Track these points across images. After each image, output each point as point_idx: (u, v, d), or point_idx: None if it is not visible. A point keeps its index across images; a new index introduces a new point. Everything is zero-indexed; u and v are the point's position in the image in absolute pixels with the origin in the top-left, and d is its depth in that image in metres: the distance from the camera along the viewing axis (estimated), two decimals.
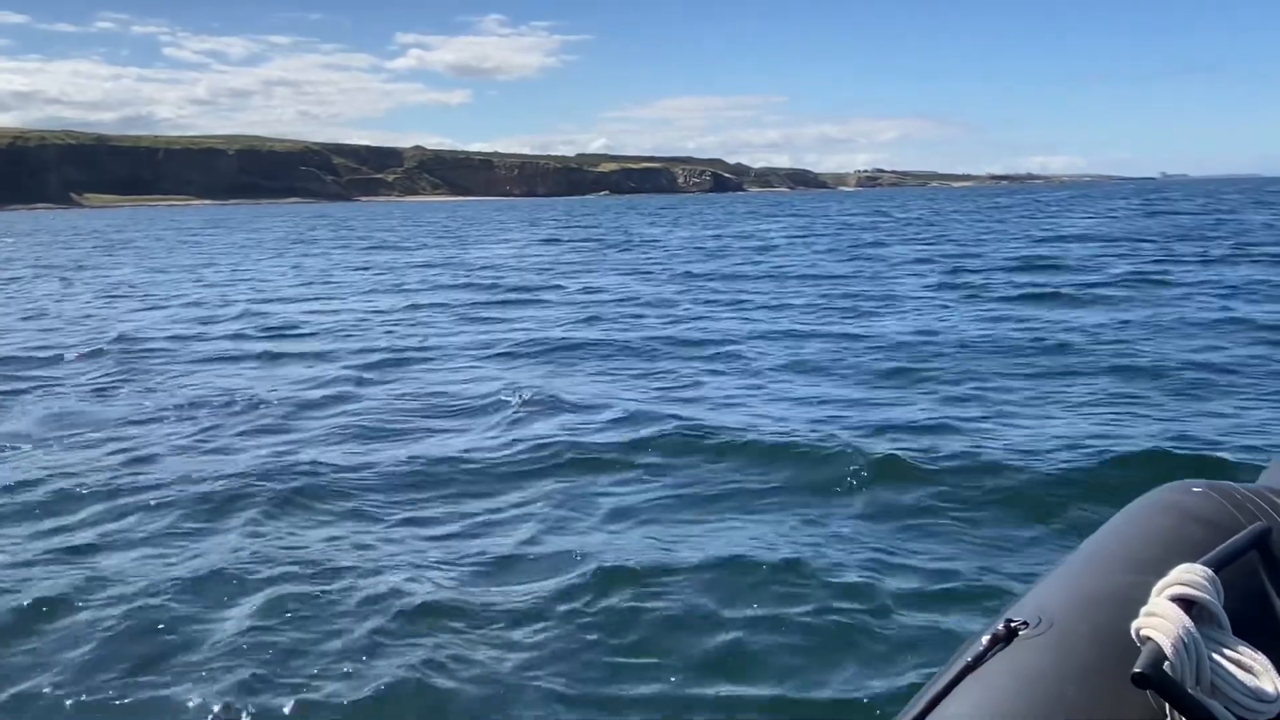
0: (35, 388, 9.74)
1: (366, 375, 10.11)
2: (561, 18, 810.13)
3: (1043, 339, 10.80)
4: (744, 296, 16.60)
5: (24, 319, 16.07)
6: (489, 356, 11.24)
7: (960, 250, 25.48)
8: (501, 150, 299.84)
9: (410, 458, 6.74)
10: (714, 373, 9.85)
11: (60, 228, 78.23)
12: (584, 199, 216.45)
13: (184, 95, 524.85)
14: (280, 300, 18.31)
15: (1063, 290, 15.13)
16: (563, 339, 12.30)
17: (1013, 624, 1.28)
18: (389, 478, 6.33)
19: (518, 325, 13.81)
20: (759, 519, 5.34)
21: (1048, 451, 6.23)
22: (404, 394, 9.13)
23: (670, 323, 13.69)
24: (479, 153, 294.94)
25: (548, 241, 38.38)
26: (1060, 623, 1.28)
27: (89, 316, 16.23)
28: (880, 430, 7.03)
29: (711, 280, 19.83)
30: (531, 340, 12.17)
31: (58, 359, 11.53)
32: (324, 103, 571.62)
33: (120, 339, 12.92)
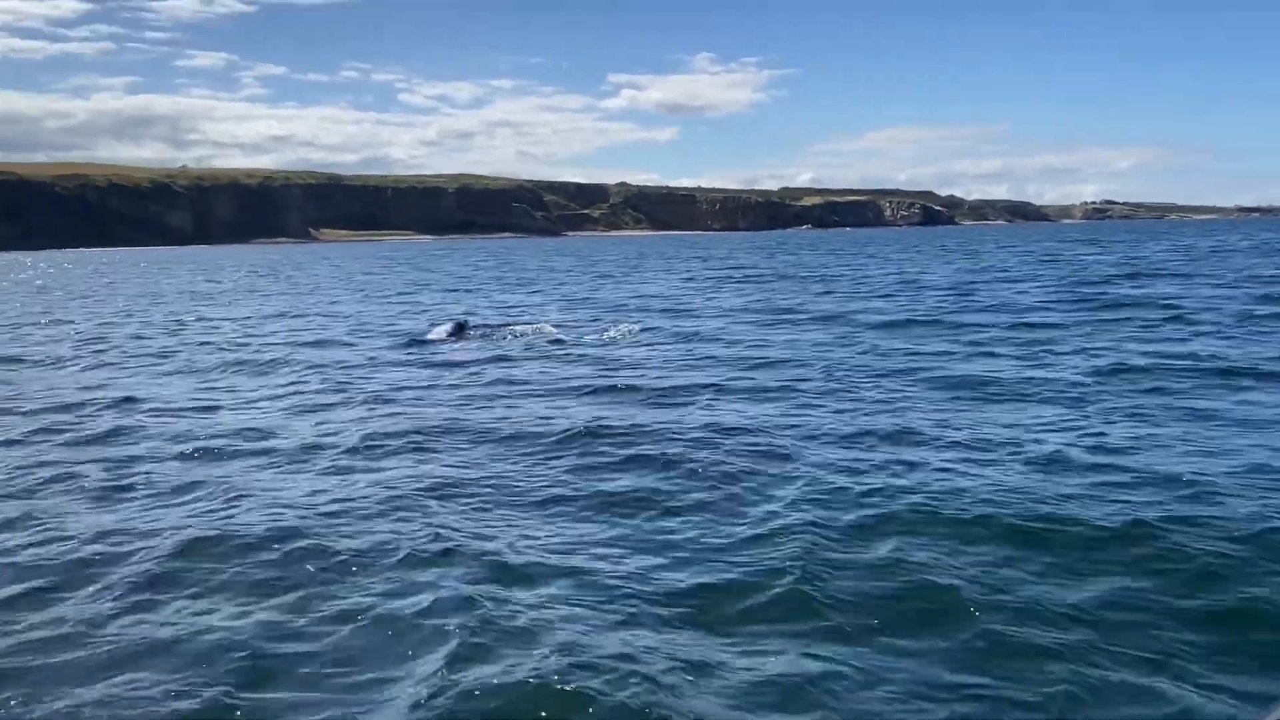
0: None
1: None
2: (771, 52, 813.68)
3: None
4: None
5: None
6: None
7: None
8: (705, 185, 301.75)
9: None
10: None
11: (300, 258, 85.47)
12: (784, 233, 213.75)
13: (416, 137, 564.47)
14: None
15: None
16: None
17: None
18: None
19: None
20: None
21: None
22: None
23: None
24: (682, 188, 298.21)
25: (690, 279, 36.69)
26: None
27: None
28: None
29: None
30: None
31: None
32: (540, 142, 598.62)
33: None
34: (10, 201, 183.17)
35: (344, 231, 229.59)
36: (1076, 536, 5.83)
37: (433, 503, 6.86)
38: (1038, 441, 8.14)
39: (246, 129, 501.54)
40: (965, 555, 5.56)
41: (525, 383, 12.09)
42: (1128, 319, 17.19)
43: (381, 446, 8.59)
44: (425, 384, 12.43)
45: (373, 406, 10.73)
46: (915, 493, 6.76)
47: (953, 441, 8.22)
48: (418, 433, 9.06)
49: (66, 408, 11.17)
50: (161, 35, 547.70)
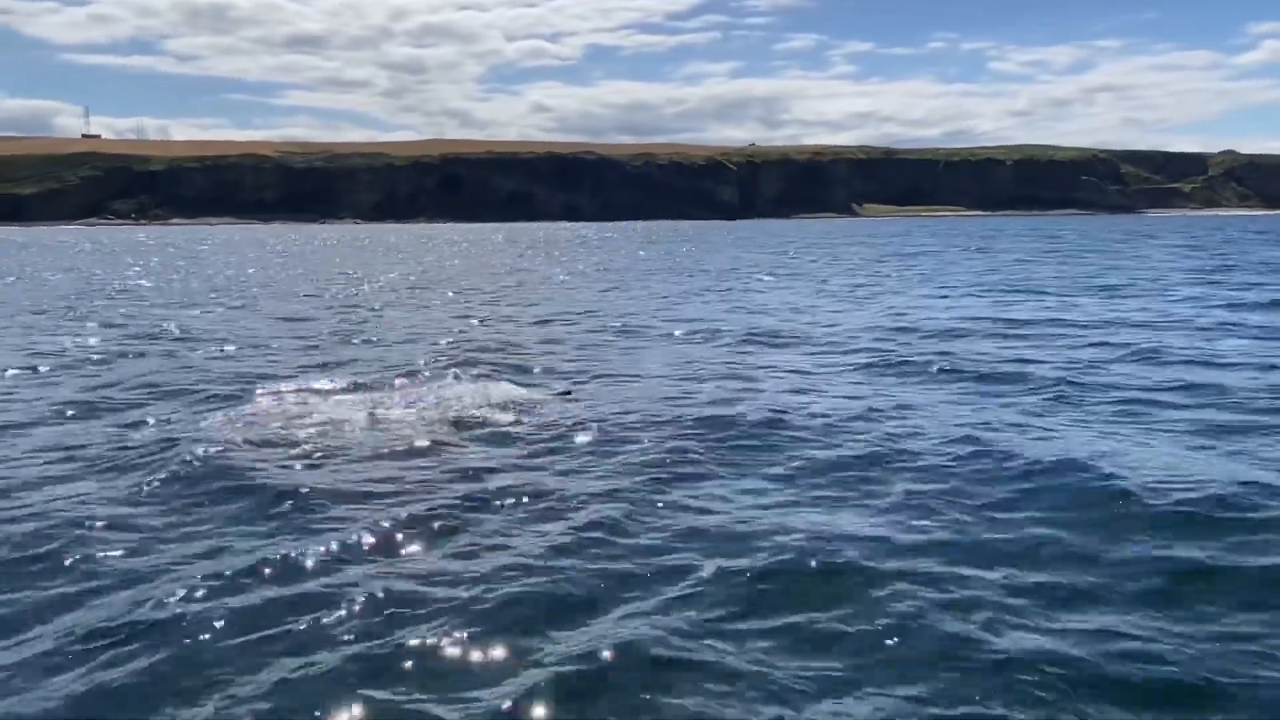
0: None
1: None
2: None
3: None
4: None
5: None
6: None
7: None
8: None
9: None
10: None
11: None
12: None
13: (1003, 108, 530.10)
14: None
15: None
16: None
17: None
18: None
19: None
20: None
21: None
22: None
23: None
24: None
25: None
26: None
27: None
28: None
29: None
30: None
31: None
32: (1149, 106, 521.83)
33: None
34: (592, 178, 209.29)
35: (888, 206, 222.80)
36: None
37: None
38: None
39: (832, 106, 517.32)
40: None
41: None
42: None
43: None
44: None
45: None
46: None
47: None
48: None
49: None
50: (761, 20, 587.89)
